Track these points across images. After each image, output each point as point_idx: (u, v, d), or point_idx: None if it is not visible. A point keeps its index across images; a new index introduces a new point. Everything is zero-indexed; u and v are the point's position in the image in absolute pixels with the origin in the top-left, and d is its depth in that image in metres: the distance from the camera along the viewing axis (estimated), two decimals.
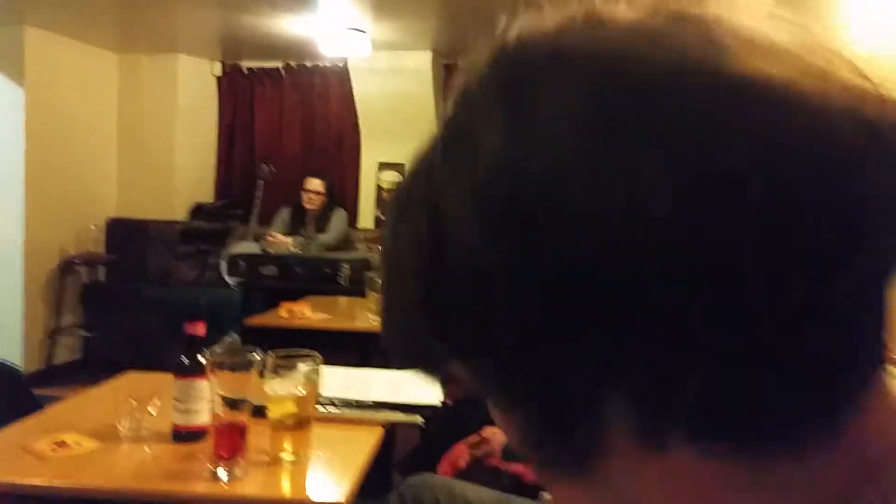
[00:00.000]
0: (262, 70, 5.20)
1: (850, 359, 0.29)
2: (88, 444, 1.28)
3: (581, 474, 0.32)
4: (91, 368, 4.17)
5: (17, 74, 4.17)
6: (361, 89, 4.86)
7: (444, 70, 4.97)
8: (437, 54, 4.76)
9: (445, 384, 0.37)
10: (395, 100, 4.81)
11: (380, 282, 0.39)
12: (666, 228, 0.26)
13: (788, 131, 0.26)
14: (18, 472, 1.19)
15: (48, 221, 4.35)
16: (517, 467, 1.72)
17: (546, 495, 1.57)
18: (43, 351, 4.34)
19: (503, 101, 0.30)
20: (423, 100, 4.82)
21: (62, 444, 1.27)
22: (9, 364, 2.53)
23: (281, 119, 5.19)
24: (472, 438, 1.92)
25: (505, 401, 0.33)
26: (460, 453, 1.92)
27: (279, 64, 5.15)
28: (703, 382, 0.28)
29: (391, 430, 2.41)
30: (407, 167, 0.37)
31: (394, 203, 0.36)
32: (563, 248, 0.28)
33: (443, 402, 2.13)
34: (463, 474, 1.78)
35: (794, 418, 0.29)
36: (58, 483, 1.17)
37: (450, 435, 2.01)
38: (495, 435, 1.86)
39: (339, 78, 4.97)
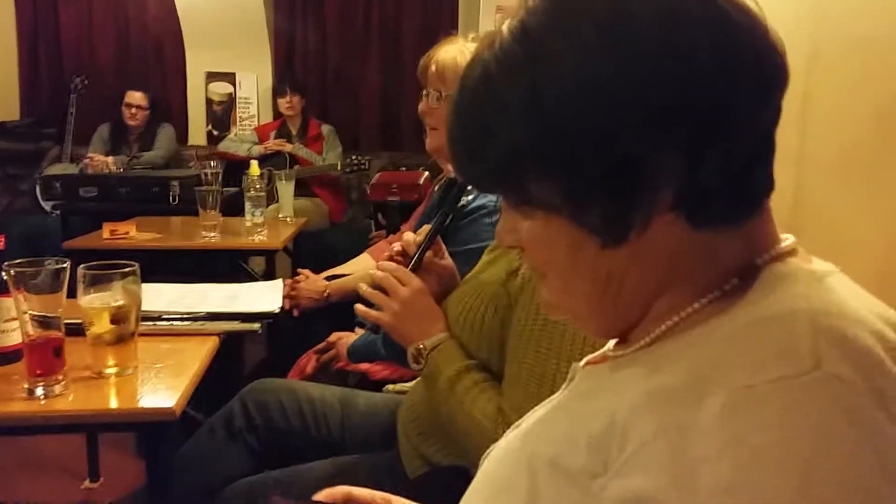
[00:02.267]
0: None
1: (770, 165, 0.51)
2: None
3: (622, 241, 0.49)
4: None
5: None
6: None
7: None
8: None
9: (520, 203, 0.53)
10: (220, 3, 4.47)
11: (461, 125, 0.54)
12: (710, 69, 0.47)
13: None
14: None
15: None
16: (363, 366, 1.77)
17: (389, 387, 1.64)
18: None
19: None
20: (252, 3, 4.52)
21: None
22: None
23: (91, 24, 4.67)
24: (319, 345, 1.94)
25: (580, 194, 0.49)
26: (307, 360, 1.95)
27: None
28: (721, 175, 0.48)
29: (237, 343, 2.38)
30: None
31: (488, 64, 0.51)
32: (659, 65, 0.46)
33: (289, 314, 2.13)
34: (310, 380, 1.81)
35: (751, 201, 0.51)
36: None
37: (298, 346, 2.02)
38: (341, 339, 1.90)
39: None
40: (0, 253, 1.22)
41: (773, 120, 0.50)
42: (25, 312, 1.12)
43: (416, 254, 1.18)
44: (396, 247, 1.22)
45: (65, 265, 1.13)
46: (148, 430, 1.21)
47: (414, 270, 1.15)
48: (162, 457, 1.27)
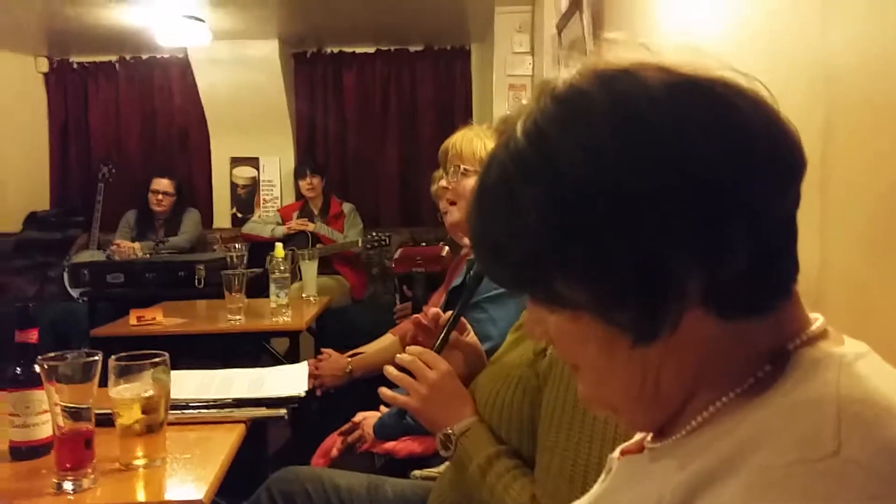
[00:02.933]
0: (95, 64, 4.86)
1: (795, 250, 0.52)
2: None
3: (654, 339, 0.49)
4: None
5: None
6: (205, 81, 4.67)
7: (294, 60, 4.87)
8: (285, 43, 4.66)
9: (545, 302, 0.53)
10: (242, 91, 4.66)
11: (483, 232, 0.54)
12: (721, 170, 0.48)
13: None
14: None
15: None
16: (388, 445, 1.74)
17: (415, 473, 1.61)
18: None
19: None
20: (273, 91, 4.70)
21: None
22: None
23: (119, 116, 4.87)
24: (344, 427, 1.92)
25: (607, 295, 0.49)
26: (332, 443, 1.92)
27: (113, 57, 4.84)
28: (748, 268, 0.48)
29: (262, 428, 2.36)
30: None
31: (505, 165, 0.51)
32: (679, 168, 0.47)
33: (313, 395, 2.12)
34: (336, 464, 1.78)
35: (779, 289, 0.51)
36: None
37: (322, 427, 2.00)
38: (366, 419, 1.87)
39: (181, 70, 4.75)
40: (33, 347, 1.24)
41: (794, 206, 0.51)
42: (57, 404, 1.13)
43: (441, 334, 1.18)
44: (420, 325, 1.23)
45: (96, 357, 1.15)
46: None
47: (439, 351, 1.15)
48: None
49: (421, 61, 4.92)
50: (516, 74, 3.68)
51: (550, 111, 0.50)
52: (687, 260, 0.47)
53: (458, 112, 4.77)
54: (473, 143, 1.57)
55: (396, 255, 4.22)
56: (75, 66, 4.87)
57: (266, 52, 4.58)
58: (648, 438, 0.59)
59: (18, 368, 1.22)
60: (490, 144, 1.41)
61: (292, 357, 2.48)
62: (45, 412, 1.21)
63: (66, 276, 3.60)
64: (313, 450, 1.95)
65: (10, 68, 4.66)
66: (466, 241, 1.65)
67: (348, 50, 4.91)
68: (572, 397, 0.93)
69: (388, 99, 4.94)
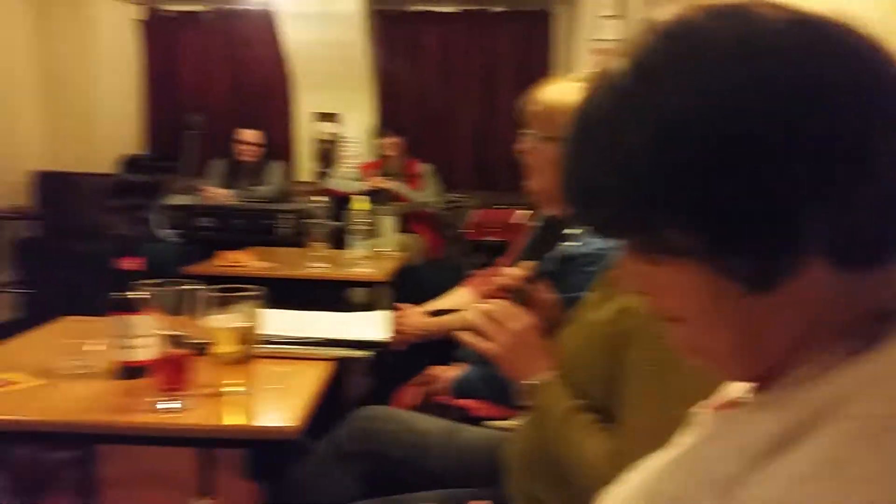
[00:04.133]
0: (185, 14, 4.99)
1: None
2: (31, 382, 1.27)
3: (769, 288, 0.47)
4: (33, 326, 4.05)
5: None
6: (291, 36, 4.72)
7: (378, 16, 4.88)
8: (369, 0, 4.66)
9: (654, 252, 0.50)
10: (326, 47, 4.70)
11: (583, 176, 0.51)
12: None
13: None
14: None
15: None
16: (465, 402, 1.77)
17: (491, 423, 1.63)
18: None
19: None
20: (356, 48, 4.73)
21: (5, 382, 1.26)
22: None
23: (208, 66, 5.01)
24: (420, 378, 1.96)
25: (723, 241, 0.46)
26: (410, 393, 1.97)
27: (202, 7, 4.94)
28: (870, 216, 0.46)
29: (339, 374, 2.45)
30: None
31: (608, 102, 0.49)
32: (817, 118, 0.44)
33: (391, 347, 2.17)
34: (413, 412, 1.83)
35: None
36: (4, 417, 1.16)
37: (397, 378, 2.05)
38: (443, 373, 1.91)
39: (266, 23, 4.81)
40: (136, 274, 1.32)
41: None
42: (159, 330, 1.20)
43: (520, 288, 1.18)
44: (499, 280, 1.23)
45: (196, 287, 1.21)
46: (265, 448, 1.25)
47: (518, 305, 1.16)
48: (275, 478, 1.31)
49: (501, 22, 4.85)
50: (602, 39, 3.58)
51: (659, 46, 0.48)
52: (811, 205, 0.45)
53: (538, 76, 4.68)
54: (561, 101, 1.39)
55: (469, 221, 4.25)
56: (168, 14, 5.01)
57: (351, 7, 4.59)
58: (744, 393, 0.58)
59: (122, 294, 1.30)
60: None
61: (370, 308, 2.54)
62: (145, 336, 1.29)
63: (159, 217, 3.78)
64: (387, 400, 2.01)
65: (108, 15, 4.82)
66: (548, 209, 1.60)
67: (431, 9, 4.89)
68: (658, 356, 0.92)
69: (467, 59, 4.91)
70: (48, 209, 4.55)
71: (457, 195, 4.66)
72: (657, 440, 0.87)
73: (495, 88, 4.88)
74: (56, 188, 4.59)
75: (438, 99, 4.95)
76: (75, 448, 2.32)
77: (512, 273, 1.21)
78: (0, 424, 1.17)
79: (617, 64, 0.49)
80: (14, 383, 1.27)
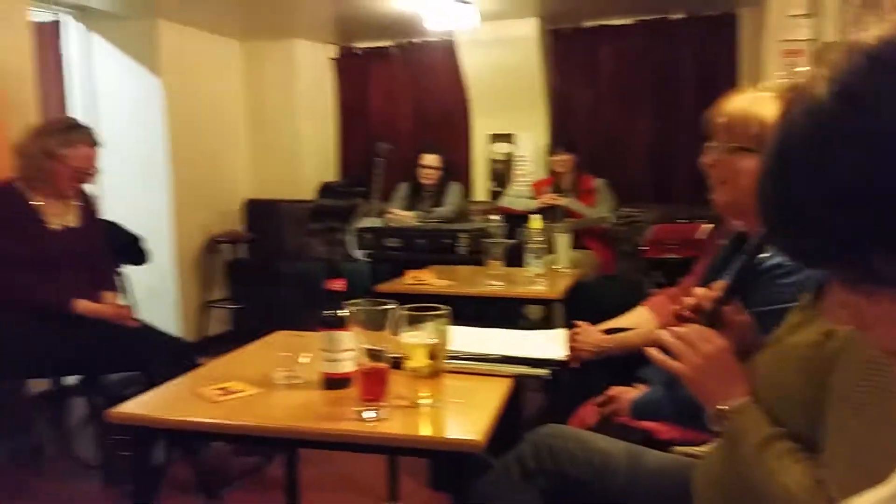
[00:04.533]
0: (374, 50, 5.37)
1: None
2: (249, 390, 1.44)
3: None
4: (240, 338, 4.59)
5: (155, 66, 4.49)
6: (469, 62, 4.93)
7: (551, 36, 4.92)
8: (543, 20, 4.73)
9: (860, 280, 0.48)
10: (502, 70, 4.84)
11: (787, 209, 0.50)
12: None
13: None
14: (193, 412, 1.36)
15: (192, 204, 4.74)
16: (647, 424, 1.74)
17: (678, 448, 1.59)
18: (197, 323, 4.78)
19: None
20: (530, 69, 4.82)
21: (226, 390, 1.44)
22: (180, 338, 2.94)
23: (394, 97, 5.34)
24: (599, 398, 1.95)
25: None
26: (589, 412, 1.96)
27: (389, 42, 5.29)
28: None
29: (516, 391, 2.50)
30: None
31: (813, 126, 0.48)
32: None
33: (568, 365, 2.18)
34: (592, 431, 1.82)
35: None
36: (226, 421, 1.33)
37: (575, 397, 2.05)
38: (623, 394, 1.88)
39: (448, 53, 5.05)
40: (340, 294, 1.46)
41: None
42: (360, 345, 1.32)
43: (712, 309, 1.15)
44: (690, 301, 1.20)
45: (392, 306, 1.31)
46: (447, 460, 1.32)
47: (710, 327, 1.13)
48: (458, 489, 1.37)
49: (682, 30, 4.69)
50: (793, 39, 3.34)
51: (864, 69, 0.46)
52: None
53: (722, 83, 4.46)
54: (749, 112, 1.36)
55: (647, 237, 4.11)
56: (358, 52, 5.42)
57: (525, 30, 4.69)
58: None
59: (328, 312, 1.44)
60: (770, 115, 1.30)
61: (546, 325, 2.57)
62: (349, 350, 1.42)
63: (351, 239, 4.10)
64: (564, 418, 2.01)
65: (307, 55, 5.31)
66: (736, 222, 1.54)
67: (606, 23, 4.84)
68: (869, 381, 0.87)
69: (644, 71, 4.80)
70: (255, 233, 5.13)
71: (632, 210, 4.56)
72: (866, 471, 0.81)
73: (674, 99, 4.73)
74: (262, 214, 5.17)
75: (613, 112, 4.88)
76: (269, 452, 2.58)
77: (703, 294, 1.18)
78: (224, 428, 1.34)
79: (817, 84, 0.48)
80: (237, 391, 1.44)
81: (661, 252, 4.02)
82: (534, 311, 3.15)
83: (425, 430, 1.28)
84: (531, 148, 4.98)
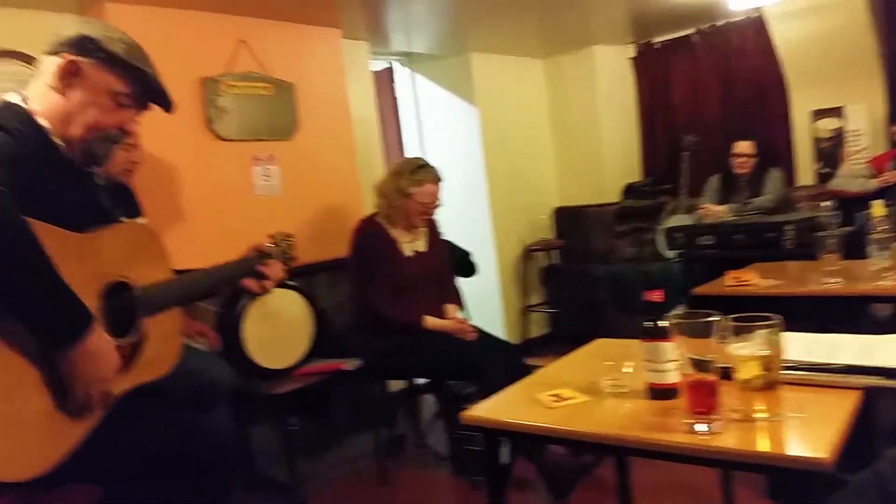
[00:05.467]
0: (674, 41, 5.20)
1: None
2: (580, 398, 1.54)
3: None
4: (558, 340, 4.92)
5: (471, 96, 4.99)
6: (782, 36, 4.51)
7: None
8: None
9: None
10: (823, 39, 4.34)
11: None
12: None
13: None
14: (534, 417, 1.49)
15: (509, 218, 5.15)
16: None
17: None
18: (520, 326, 5.15)
19: None
20: (858, 33, 4.22)
21: (559, 397, 1.55)
22: (510, 343, 3.22)
23: (698, 86, 5.11)
24: None
25: None
26: None
27: (689, 31, 5.08)
28: None
29: (870, 399, 2.24)
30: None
31: None
32: None
33: None
34: None
35: None
36: (564, 427, 1.43)
37: None
38: None
39: (755, 30, 4.69)
40: (659, 305, 1.47)
41: None
42: (684, 355, 1.32)
43: None
44: None
45: (715, 317, 1.29)
46: (788, 473, 1.24)
47: None
48: None
49: None
50: None
51: None
52: None
53: None
54: None
55: None
56: (657, 46, 5.29)
57: None
58: None
59: (649, 322, 1.46)
60: None
61: None
62: (672, 361, 1.43)
63: (661, 239, 4.02)
64: None
65: (606, 59, 5.34)
66: None
67: None
68: None
69: None
70: (565, 239, 5.33)
71: None
72: None
73: None
74: (570, 221, 5.36)
75: None
76: (601, 455, 2.65)
77: None
78: (563, 433, 1.44)
79: None
80: (568, 398, 1.54)
81: None
82: (882, 310, 2.76)
83: (763, 445, 1.23)
84: (865, 120, 4.37)
